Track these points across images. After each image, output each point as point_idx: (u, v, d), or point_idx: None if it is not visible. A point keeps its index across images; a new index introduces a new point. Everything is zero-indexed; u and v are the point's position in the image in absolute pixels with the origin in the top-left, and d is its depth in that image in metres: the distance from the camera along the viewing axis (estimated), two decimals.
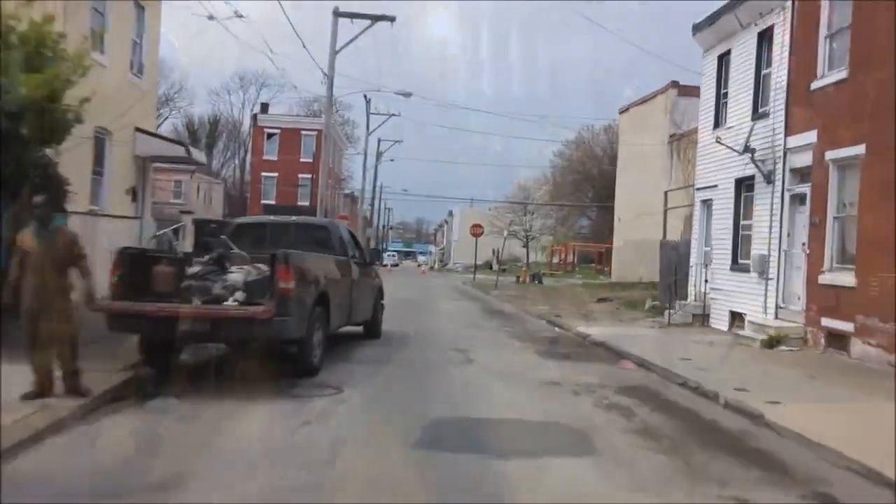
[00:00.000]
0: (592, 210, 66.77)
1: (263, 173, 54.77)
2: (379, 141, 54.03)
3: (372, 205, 58.27)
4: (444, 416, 7.45)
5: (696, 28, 17.82)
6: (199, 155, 19.12)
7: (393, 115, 48.01)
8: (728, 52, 16.82)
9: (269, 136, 55.60)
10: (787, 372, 10.73)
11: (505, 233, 53.36)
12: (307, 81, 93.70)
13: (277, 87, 63.09)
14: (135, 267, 8.67)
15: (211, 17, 18.19)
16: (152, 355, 8.81)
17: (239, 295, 8.50)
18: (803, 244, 13.54)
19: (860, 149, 11.87)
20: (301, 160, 54.22)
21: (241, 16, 18.88)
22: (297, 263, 8.45)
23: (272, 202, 52.95)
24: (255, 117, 56.47)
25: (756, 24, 15.36)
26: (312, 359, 8.94)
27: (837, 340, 12.28)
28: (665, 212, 22.85)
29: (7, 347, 8.56)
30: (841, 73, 12.53)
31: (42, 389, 6.97)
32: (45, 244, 6.98)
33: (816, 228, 13.12)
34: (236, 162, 76.25)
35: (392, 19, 29.93)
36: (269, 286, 8.28)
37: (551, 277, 48.20)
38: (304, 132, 55.16)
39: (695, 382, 9.70)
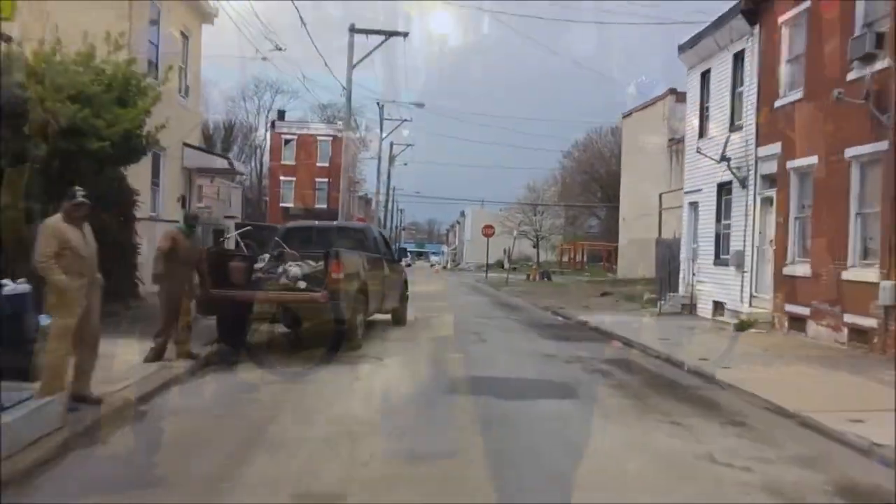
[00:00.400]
0: (601, 210, 68.83)
1: (281, 177, 57.27)
2: (392, 145, 56.39)
3: (386, 207, 60.58)
4: (463, 375, 9.73)
5: (681, 48, 20.03)
6: (239, 166, 21.52)
7: (405, 120, 50.46)
8: (709, 71, 19.03)
9: (287, 141, 58.14)
10: (746, 348, 12.92)
11: (515, 233, 55.58)
12: (316, 79, 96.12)
13: (292, 93, 65.61)
14: (216, 263, 10.98)
15: (264, 59, 20.48)
16: (228, 333, 11.12)
17: (300, 284, 10.81)
18: (770, 241, 15.72)
19: (813, 159, 14.06)
20: (318, 164, 56.72)
21: (281, 48, 21.20)
22: (345, 259, 10.75)
23: (290, 205, 55.42)
24: (273, 124, 58.97)
25: (730, 48, 17.56)
26: (357, 336, 11.25)
27: (797, 323, 14.46)
28: (660, 212, 25.03)
29: (111, 329, 10.91)
30: (798, 94, 14.72)
31: (159, 355, 9.31)
32: (191, 245, 9.47)
33: (781, 227, 15.31)
34: (252, 165, 78.72)
35: (405, 35, 32.28)
36: (324, 277, 10.58)
37: (561, 275, 50.34)
38: (319, 138, 57.68)
39: (667, 355, 11.94)
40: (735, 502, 5.26)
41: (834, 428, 7.27)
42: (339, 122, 52.21)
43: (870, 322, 12.11)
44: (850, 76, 12.83)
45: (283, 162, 57.65)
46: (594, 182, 66.70)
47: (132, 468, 5.69)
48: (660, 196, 25.32)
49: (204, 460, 5.83)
